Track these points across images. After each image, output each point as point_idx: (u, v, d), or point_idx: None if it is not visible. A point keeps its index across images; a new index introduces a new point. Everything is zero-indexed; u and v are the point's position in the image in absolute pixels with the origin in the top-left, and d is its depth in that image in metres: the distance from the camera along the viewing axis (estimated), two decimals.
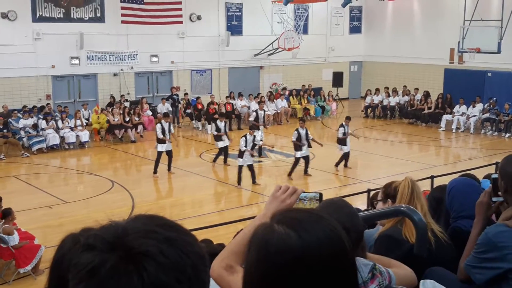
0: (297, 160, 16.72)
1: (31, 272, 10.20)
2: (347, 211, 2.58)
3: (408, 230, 3.51)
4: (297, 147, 16.62)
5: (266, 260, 1.44)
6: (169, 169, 17.24)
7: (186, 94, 25.77)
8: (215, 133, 18.31)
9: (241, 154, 15.92)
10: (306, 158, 16.90)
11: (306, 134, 16.73)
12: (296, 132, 16.76)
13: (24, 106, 21.71)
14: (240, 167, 15.98)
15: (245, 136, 16.10)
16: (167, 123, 17.24)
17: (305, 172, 16.93)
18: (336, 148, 17.90)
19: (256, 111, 19.77)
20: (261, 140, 17.81)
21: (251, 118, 19.46)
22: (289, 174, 16.73)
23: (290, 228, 1.46)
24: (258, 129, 17.91)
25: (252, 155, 16.27)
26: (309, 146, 16.89)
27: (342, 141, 17.52)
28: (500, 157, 13.42)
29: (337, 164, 17.67)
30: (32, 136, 20.32)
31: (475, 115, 24.36)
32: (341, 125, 17.72)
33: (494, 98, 24.44)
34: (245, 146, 15.82)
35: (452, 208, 3.96)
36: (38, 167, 18.65)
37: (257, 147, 17.14)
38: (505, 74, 25.93)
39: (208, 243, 6.65)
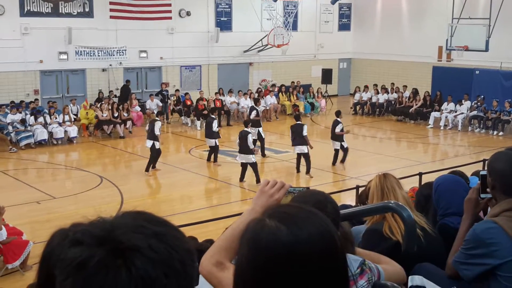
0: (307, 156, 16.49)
1: (19, 268, 10.14)
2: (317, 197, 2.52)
3: (388, 228, 3.53)
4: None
5: (257, 255, 1.44)
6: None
7: (177, 90, 25.69)
8: (217, 129, 17.86)
9: (251, 151, 15.64)
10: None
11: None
12: (305, 126, 16.66)
13: (12, 102, 21.55)
14: (255, 164, 15.67)
15: (249, 132, 16.00)
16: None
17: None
18: (327, 145, 17.92)
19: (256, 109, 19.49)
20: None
21: (252, 116, 19.03)
22: (307, 171, 16.48)
23: (281, 223, 1.46)
24: (260, 126, 17.87)
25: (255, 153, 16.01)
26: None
27: (340, 137, 17.39)
28: (487, 154, 13.50)
29: (342, 160, 17.71)
30: (20, 131, 20.18)
31: (462, 113, 24.47)
32: (339, 122, 17.51)
33: (482, 96, 24.55)
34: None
35: (439, 205, 3.96)
36: (26, 163, 18.54)
37: (258, 143, 16.96)
38: (493, 72, 26.06)
39: (193, 241, 6.63)
